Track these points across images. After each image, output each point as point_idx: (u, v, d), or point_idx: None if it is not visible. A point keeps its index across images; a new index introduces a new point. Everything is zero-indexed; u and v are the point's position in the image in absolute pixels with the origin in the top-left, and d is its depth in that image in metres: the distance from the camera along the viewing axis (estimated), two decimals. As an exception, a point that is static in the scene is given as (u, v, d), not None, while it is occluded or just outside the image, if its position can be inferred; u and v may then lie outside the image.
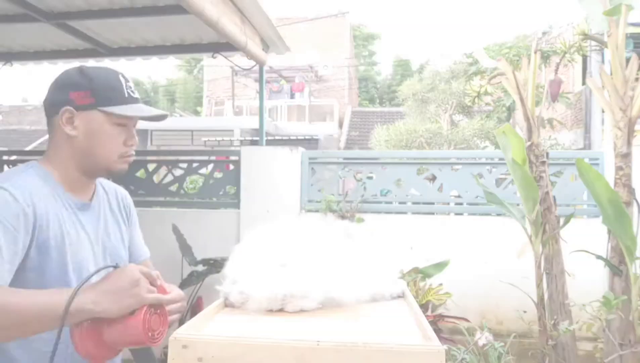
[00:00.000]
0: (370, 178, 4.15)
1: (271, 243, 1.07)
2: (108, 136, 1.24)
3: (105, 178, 1.36)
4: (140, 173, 4.44)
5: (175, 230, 3.88)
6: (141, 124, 1.38)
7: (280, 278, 0.97)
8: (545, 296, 2.64)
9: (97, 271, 1.12)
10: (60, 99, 1.24)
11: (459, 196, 4.08)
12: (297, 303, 0.95)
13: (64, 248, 1.20)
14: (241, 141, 14.72)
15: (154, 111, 1.33)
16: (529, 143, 2.65)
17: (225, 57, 4.67)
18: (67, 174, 1.27)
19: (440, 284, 2.79)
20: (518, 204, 2.90)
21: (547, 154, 2.69)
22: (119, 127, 1.26)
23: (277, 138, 15.02)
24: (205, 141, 15.04)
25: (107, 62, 4.78)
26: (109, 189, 1.44)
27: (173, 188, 4.42)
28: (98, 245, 1.32)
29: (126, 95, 1.26)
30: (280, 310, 0.96)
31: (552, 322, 2.58)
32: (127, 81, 1.29)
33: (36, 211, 1.15)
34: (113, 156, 1.26)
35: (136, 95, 1.29)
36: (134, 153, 1.32)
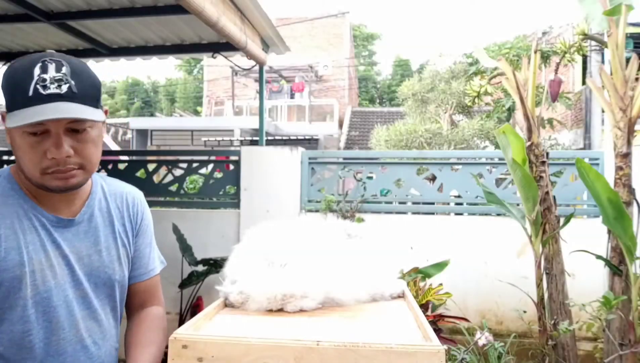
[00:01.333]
0: (370, 178, 4.15)
1: (271, 243, 1.07)
2: (19, 147, 0.99)
3: (49, 191, 1.05)
4: (140, 173, 4.45)
5: (175, 230, 3.88)
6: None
7: (280, 278, 0.97)
8: (545, 296, 2.64)
9: None
10: None
11: (459, 196, 4.08)
12: (297, 303, 0.95)
13: (23, 280, 1.00)
14: (241, 141, 14.72)
15: (56, 114, 0.95)
16: (529, 143, 2.65)
17: (225, 57, 4.67)
18: (30, 187, 1.05)
19: (440, 284, 2.79)
20: (518, 204, 2.90)
21: (547, 154, 2.69)
22: (32, 136, 0.97)
23: (277, 138, 15.02)
24: (205, 141, 15.04)
25: (107, 62, 4.79)
26: (113, 194, 1.19)
27: (173, 188, 4.42)
28: (82, 266, 1.10)
29: (30, 93, 0.94)
30: (280, 310, 0.96)
31: (552, 322, 2.58)
32: (44, 71, 0.97)
33: None
34: (34, 171, 1.00)
35: (50, 90, 0.95)
36: (70, 166, 1.01)
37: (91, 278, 1.11)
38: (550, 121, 7.55)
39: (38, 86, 0.95)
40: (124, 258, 1.18)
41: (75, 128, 0.99)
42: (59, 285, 1.05)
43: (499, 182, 4.10)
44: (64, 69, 0.98)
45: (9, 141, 1.03)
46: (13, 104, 0.97)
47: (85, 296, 1.10)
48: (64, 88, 0.96)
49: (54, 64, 0.97)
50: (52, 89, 0.95)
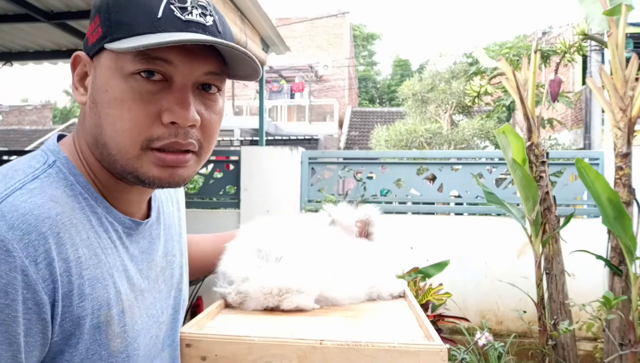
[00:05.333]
0: (370, 178, 4.16)
1: (264, 237, 1.05)
2: (114, 101, 0.62)
3: (139, 184, 0.68)
4: (140, 173, 4.45)
5: (176, 229, 3.88)
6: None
7: (275, 272, 0.96)
8: (545, 296, 2.65)
9: None
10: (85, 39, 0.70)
11: (459, 196, 4.08)
12: (293, 299, 0.94)
13: (109, 328, 0.64)
14: (241, 141, 14.72)
15: (205, 38, 0.62)
16: (529, 143, 2.65)
17: (226, 57, 4.67)
18: (97, 176, 0.69)
19: (440, 284, 2.79)
20: (518, 204, 2.91)
21: (547, 154, 2.70)
22: (145, 82, 0.62)
23: (277, 138, 15.03)
24: (205, 141, 15.02)
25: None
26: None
27: (173, 188, 4.42)
28: (162, 284, 0.79)
29: (159, 15, 0.61)
30: (278, 308, 0.95)
31: (552, 322, 2.58)
32: None
33: (55, 270, 0.58)
34: (130, 143, 0.63)
35: (192, 17, 0.63)
36: (184, 141, 0.66)
37: (170, 296, 0.81)
38: (550, 121, 7.56)
39: (173, 7, 0.62)
40: (186, 264, 0.90)
41: (208, 83, 0.67)
42: (146, 327, 0.72)
43: (499, 182, 4.10)
44: None
45: (82, 98, 0.67)
46: (123, 29, 0.62)
47: (163, 332, 0.79)
48: (209, 20, 0.65)
49: None
50: (195, 16, 0.63)
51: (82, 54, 0.69)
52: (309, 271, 0.97)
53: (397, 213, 4.11)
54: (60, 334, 0.60)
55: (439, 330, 2.75)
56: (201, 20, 0.63)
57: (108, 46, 0.62)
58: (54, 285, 0.58)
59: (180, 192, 0.94)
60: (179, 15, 0.62)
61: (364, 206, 1.17)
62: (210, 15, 0.65)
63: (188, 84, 0.64)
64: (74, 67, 0.70)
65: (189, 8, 0.63)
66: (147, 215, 0.78)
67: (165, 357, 0.79)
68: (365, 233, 1.14)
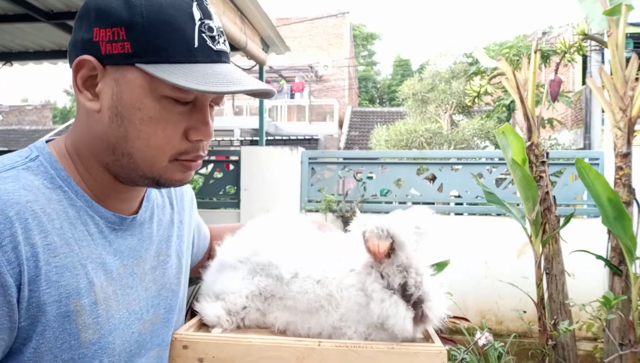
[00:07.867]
0: (370, 178, 4.16)
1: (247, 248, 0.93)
2: (153, 118, 0.67)
3: (153, 186, 0.75)
4: (140, 173, 4.45)
5: (175, 230, 3.88)
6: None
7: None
8: (545, 296, 2.64)
9: None
10: (81, 38, 0.68)
11: (459, 196, 4.08)
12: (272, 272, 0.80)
13: (79, 318, 0.65)
14: (241, 141, 14.72)
15: (249, 85, 0.68)
16: (529, 143, 2.65)
17: (225, 57, 4.67)
18: (91, 175, 0.72)
19: (441, 284, 2.78)
20: (518, 204, 2.91)
21: (547, 154, 2.69)
22: (177, 105, 0.68)
23: (277, 138, 15.03)
24: (205, 141, 15.03)
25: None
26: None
27: (173, 188, 4.42)
28: (150, 282, 0.79)
29: (196, 44, 0.66)
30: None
31: (552, 322, 2.58)
32: (205, 15, 0.68)
33: (21, 254, 0.60)
34: (161, 156, 0.69)
35: (220, 46, 0.69)
36: (204, 153, 0.76)
37: (160, 296, 0.81)
38: (550, 121, 7.55)
39: (205, 37, 0.67)
40: (185, 267, 0.90)
41: (217, 102, 0.75)
42: (123, 320, 0.72)
43: (499, 182, 4.10)
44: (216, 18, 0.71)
45: (94, 106, 0.68)
46: (156, 52, 0.64)
47: (149, 330, 0.78)
48: (228, 46, 0.72)
49: (210, 9, 0.70)
50: (221, 45, 0.69)
51: (90, 58, 0.67)
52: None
53: (397, 213, 4.11)
54: (27, 319, 0.61)
55: (438, 330, 2.75)
56: (225, 48, 0.70)
57: (144, 67, 0.64)
58: (19, 268, 0.60)
59: (186, 197, 0.96)
60: (210, 45, 0.67)
61: (415, 209, 0.80)
62: (225, 40, 0.71)
63: (207, 104, 0.72)
64: (77, 69, 0.68)
65: (217, 37, 0.69)
66: (136, 213, 0.80)
67: (152, 356, 0.78)
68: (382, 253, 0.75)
